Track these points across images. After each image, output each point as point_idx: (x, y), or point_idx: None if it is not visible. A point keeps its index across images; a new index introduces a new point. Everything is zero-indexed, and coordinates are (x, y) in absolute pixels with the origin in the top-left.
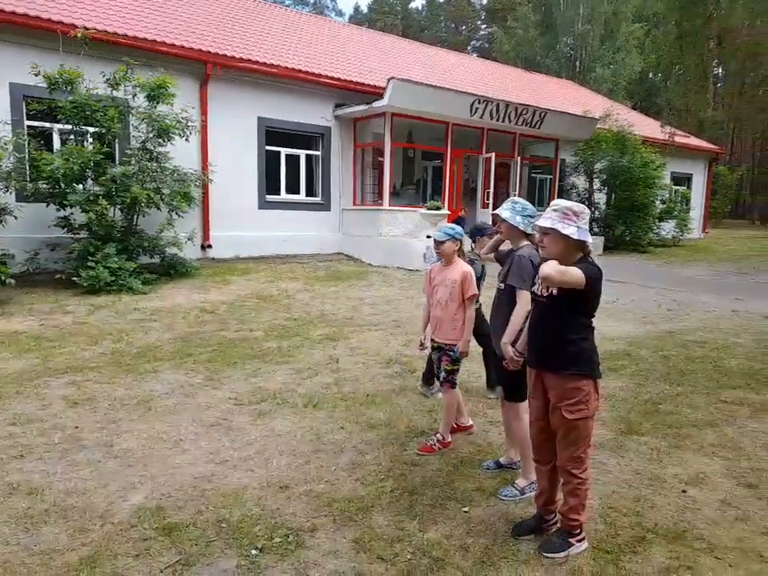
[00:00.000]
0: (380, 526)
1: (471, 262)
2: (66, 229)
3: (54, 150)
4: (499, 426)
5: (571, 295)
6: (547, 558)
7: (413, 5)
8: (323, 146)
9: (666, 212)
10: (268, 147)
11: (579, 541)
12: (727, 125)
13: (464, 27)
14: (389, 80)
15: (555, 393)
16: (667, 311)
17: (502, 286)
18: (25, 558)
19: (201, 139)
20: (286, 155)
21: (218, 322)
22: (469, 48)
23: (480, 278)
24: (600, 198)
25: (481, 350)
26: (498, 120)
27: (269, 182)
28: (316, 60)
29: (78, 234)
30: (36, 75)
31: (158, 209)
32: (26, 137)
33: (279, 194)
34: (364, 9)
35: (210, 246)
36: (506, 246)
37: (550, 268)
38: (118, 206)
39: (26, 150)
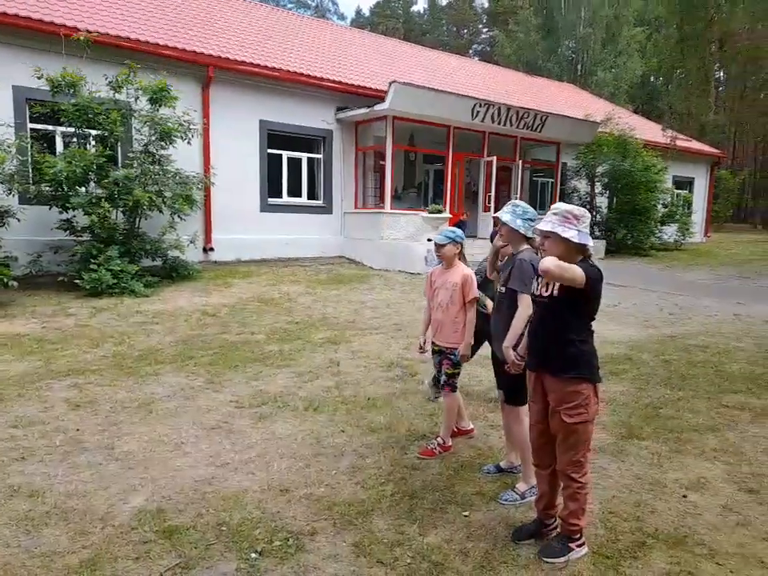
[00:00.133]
0: (380, 530)
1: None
2: (68, 231)
3: (57, 153)
4: (500, 429)
5: (571, 295)
6: (547, 562)
7: (414, 8)
8: (325, 149)
9: (667, 216)
10: (270, 150)
11: (579, 546)
12: (729, 129)
13: (466, 31)
14: (390, 83)
15: (555, 396)
16: (669, 315)
17: (503, 289)
18: (25, 561)
19: (203, 142)
20: (288, 158)
21: (220, 325)
22: (470, 51)
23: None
24: (601, 201)
25: (485, 353)
26: (499, 123)
27: (270, 185)
28: (318, 63)
29: (81, 236)
30: (39, 78)
31: (160, 212)
32: (28, 139)
33: (281, 197)
34: (366, 12)
35: (211, 249)
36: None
37: (549, 262)
38: (121, 209)
39: (29, 153)
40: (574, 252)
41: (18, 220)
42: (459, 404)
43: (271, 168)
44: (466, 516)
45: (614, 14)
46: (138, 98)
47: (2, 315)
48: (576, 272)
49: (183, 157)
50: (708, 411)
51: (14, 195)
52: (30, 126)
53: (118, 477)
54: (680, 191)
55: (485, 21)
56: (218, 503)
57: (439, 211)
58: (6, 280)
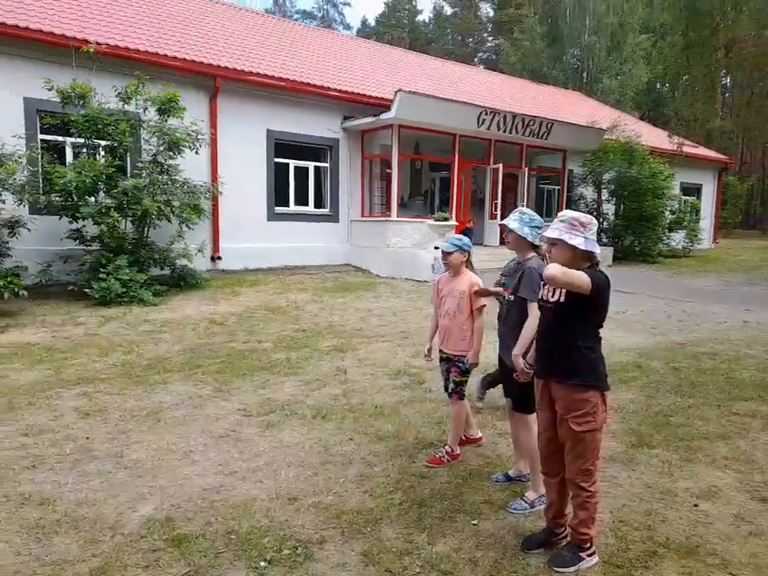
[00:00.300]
0: (389, 539)
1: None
2: (78, 241)
3: (67, 163)
4: (508, 437)
5: (578, 301)
6: (557, 572)
7: (420, 18)
8: (331, 157)
9: (675, 222)
10: (277, 159)
11: (589, 555)
12: (736, 135)
13: (471, 40)
14: (396, 92)
15: (562, 404)
16: (677, 322)
17: (512, 297)
18: (36, 569)
19: (210, 152)
20: (295, 167)
21: (227, 334)
22: (476, 60)
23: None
24: (608, 208)
25: (493, 361)
26: (505, 131)
27: (278, 194)
28: (324, 73)
29: (90, 245)
30: (50, 90)
31: (169, 221)
32: (39, 150)
33: (288, 206)
34: (372, 22)
35: (219, 258)
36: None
37: (555, 269)
38: (130, 219)
39: (40, 164)
40: (581, 259)
41: (29, 230)
42: (467, 412)
43: (278, 177)
44: (474, 525)
45: (619, 21)
46: (147, 108)
47: (13, 324)
48: (582, 279)
49: (191, 166)
50: (718, 419)
51: (24, 205)
52: (41, 136)
53: (127, 485)
54: (687, 198)
55: (490, 29)
56: (227, 511)
57: (446, 219)
58: (16, 289)
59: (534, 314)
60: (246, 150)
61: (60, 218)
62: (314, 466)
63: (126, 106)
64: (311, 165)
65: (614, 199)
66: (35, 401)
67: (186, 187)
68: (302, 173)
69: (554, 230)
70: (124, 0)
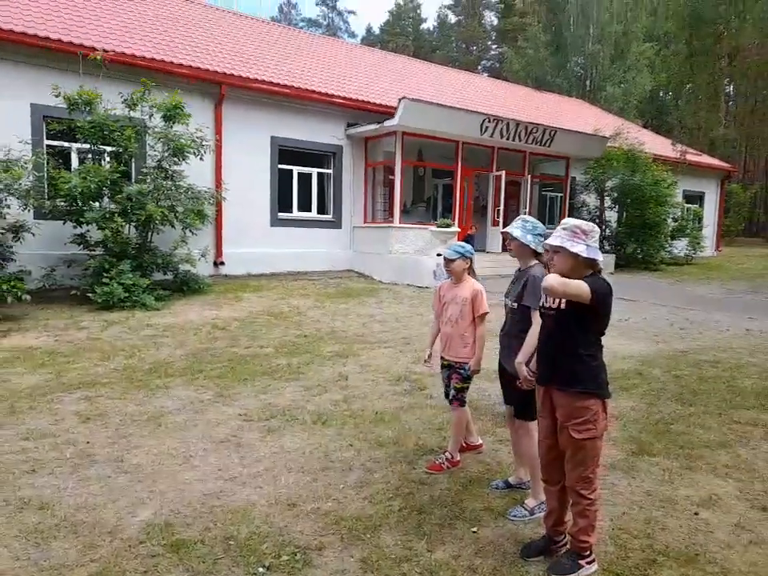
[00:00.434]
0: (388, 546)
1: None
2: (82, 246)
3: (72, 169)
4: (508, 444)
5: (579, 309)
6: None
7: (424, 26)
8: (335, 164)
9: (678, 230)
10: (281, 166)
11: (589, 563)
12: (739, 143)
13: (475, 48)
14: (400, 99)
15: (563, 411)
16: (679, 330)
17: (515, 305)
18: (34, 573)
19: (215, 158)
20: (298, 173)
21: (230, 339)
22: (479, 68)
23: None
24: (611, 216)
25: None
26: (508, 138)
27: (281, 200)
28: (329, 81)
29: (94, 250)
30: (56, 96)
31: (172, 226)
32: (45, 156)
33: (291, 212)
34: (376, 30)
35: (222, 263)
36: None
37: (552, 280)
38: (133, 224)
39: (45, 169)
40: (583, 267)
41: (33, 234)
42: (468, 419)
43: (282, 183)
44: (474, 532)
45: (623, 30)
46: (152, 115)
47: (15, 328)
48: (581, 288)
49: (195, 172)
50: (719, 427)
51: (29, 210)
52: (47, 142)
53: (127, 490)
54: (690, 205)
55: (494, 37)
56: (226, 517)
57: (448, 225)
58: (19, 294)
59: (537, 321)
60: (250, 156)
61: (64, 223)
62: (313, 471)
63: (131, 112)
64: (315, 171)
65: (617, 207)
66: (36, 405)
67: (190, 193)
68: (305, 179)
69: (556, 238)
70: (130, 7)
